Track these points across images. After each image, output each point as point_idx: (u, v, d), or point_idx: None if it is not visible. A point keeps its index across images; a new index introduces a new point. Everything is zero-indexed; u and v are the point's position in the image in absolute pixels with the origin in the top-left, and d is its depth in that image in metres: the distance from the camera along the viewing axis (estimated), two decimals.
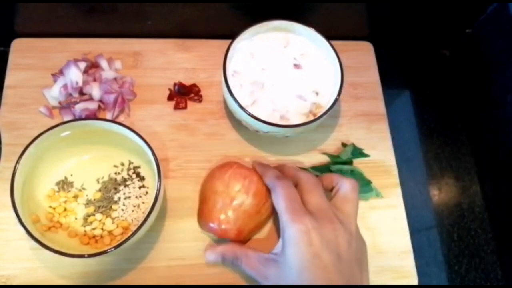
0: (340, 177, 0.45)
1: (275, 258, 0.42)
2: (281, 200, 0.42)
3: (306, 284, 0.38)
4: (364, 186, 0.53)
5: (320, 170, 0.53)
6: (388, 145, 0.57)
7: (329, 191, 0.46)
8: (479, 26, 0.64)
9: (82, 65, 0.54)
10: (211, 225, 0.47)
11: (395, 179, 0.56)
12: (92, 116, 0.53)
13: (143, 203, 0.49)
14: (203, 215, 0.48)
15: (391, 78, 0.56)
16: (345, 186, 0.44)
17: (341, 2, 0.58)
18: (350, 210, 0.43)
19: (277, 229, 0.51)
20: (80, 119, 0.49)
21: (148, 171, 0.51)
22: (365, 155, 0.55)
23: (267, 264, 0.42)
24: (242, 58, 0.52)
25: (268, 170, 0.47)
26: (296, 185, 0.45)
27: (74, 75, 0.53)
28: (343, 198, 0.44)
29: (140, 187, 0.50)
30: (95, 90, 0.53)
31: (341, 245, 0.40)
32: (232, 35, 0.51)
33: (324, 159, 0.55)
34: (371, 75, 0.61)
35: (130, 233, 0.42)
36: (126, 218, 0.48)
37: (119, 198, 0.49)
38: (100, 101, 0.54)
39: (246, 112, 0.48)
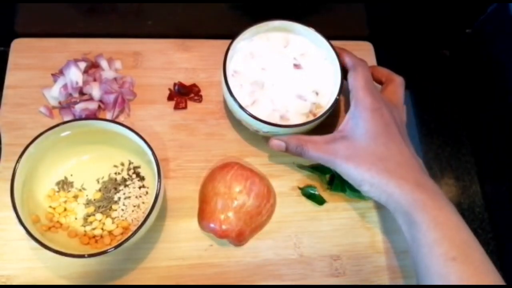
0: (391, 74, 0.52)
1: (343, 134, 0.47)
2: (360, 78, 0.47)
3: (381, 146, 0.45)
4: None
5: (320, 170, 0.53)
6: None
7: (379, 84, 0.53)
8: (479, 26, 0.64)
9: (82, 65, 0.54)
10: (212, 225, 0.47)
11: None
12: (92, 116, 0.53)
13: (143, 203, 0.49)
14: (204, 216, 0.48)
15: None
16: (396, 81, 0.51)
17: (341, 2, 0.58)
18: (400, 101, 0.50)
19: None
20: (80, 119, 0.49)
21: (148, 171, 0.51)
22: None
23: (335, 142, 0.47)
24: (242, 58, 0.52)
25: (352, 53, 0.51)
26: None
27: (74, 75, 0.53)
28: (393, 91, 0.51)
29: (140, 187, 0.50)
30: (95, 90, 0.53)
31: (400, 125, 0.47)
32: (232, 35, 0.51)
33: None
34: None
35: (130, 233, 0.42)
36: (126, 218, 0.49)
37: (119, 198, 0.49)
38: (100, 101, 0.54)
39: (246, 112, 0.48)
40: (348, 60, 0.50)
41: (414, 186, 0.43)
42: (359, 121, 0.46)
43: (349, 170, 0.45)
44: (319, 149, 0.47)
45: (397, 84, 0.51)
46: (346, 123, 0.47)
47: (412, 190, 0.42)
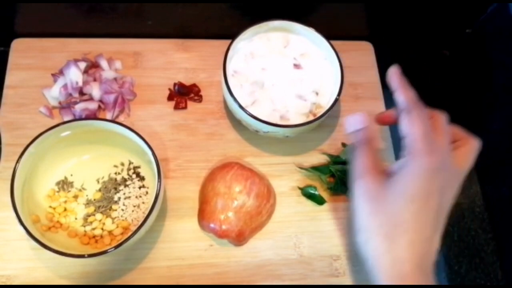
0: (466, 134, 0.43)
1: (389, 173, 0.39)
2: (417, 126, 0.38)
3: (409, 214, 0.37)
4: None
5: (320, 170, 0.53)
6: (388, 145, 0.57)
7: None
8: (479, 26, 0.64)
9: (82, 65, 0.54)
10: (212, 225, 0.47)
11: None
12: (92, 116, 0.53)
13: (143, 203, 0.49)
14: (204, 216, 0.48)
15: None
16: (471, 144, 0.42)
17: (341, 2, 0.58)
18: (465, 167, 0.41)
19: None
20: (80, 119, 0.49)
21: (148, 171, 0.51)
22: None
23: (379, 172, 0.40)
24: (242, 58, 0.52)
25: (409, 88, 0.42)
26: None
27: (74, 75, 0.53)
28: (463, 155, 0.41)
29: (140, 187, 0.50)
30: (95, 90, 0.53)
31: (445, 198, 0.39)
32: (232, 35, 0.51)
33: (324, 159, 0.55)
34: (371, 75, 0.61)
35: (130, 233, 0.42)
36: (126, 218, 0.49)
37: (119, 198, 0.49)
38: (100, 101, 0.54)
39: (246, 112, 0.48)
40: (401, 97, 0.41)
41: (406, 275, 0.36)
42: (406, 176, 0.38)
43: (362, 210, 0.39)
44: (366, 167, 0.40)
45: (471, 147, 0.41)
46: (396, 165, 0.40)
47: (401, 278, 0.36)
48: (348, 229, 0.52)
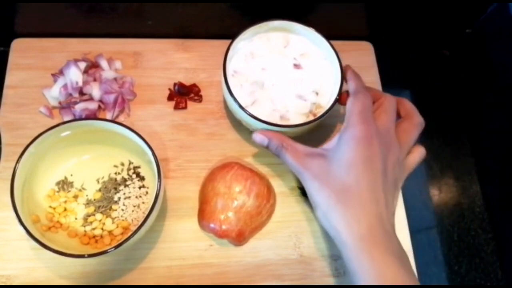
0: (414, 112, 0.48)
1: (324, 153, 0.44)
2: (358, 105, 0.44)
3: (351, 177, 0.41)
4: None
5: None
6: None
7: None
8: (479, 26, 0.64)
9: (82, 65, 0.54)
10: (212, 225, 0.47)
11: None
12: (92, 116, 0.53)
13: (143, 203, 0.49)
14: (204, 216, 0.48)
15: (391, 78, 0.56)
16: (414, 120, 0.47)
17: (341, 2, 0.58)
18: (408, 140, 0.46)
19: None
20: (80, 119, 0.49)
21: (148, 171, 0.51)
22: None
23: (313, 157, 0.44)
24: (242, 58, 0.52)
25: (359, 78, 0.49)
26: (374, 102, 0.47)
27: (74, 75, 0.53)
28: (405, 129, 0.46)
29: (140, 187, 0.50)
30: (95, 90, 0.53)
31: (389, 164, 0.43)
32: (232, 35, 0.51)
33: None
34: (371, 75, 0.61)
35: (130, 233, 0.42)
36: (126, 218, 0.49)
37: (119, 198, 0.49)
38: (100, 101, 0.54)
39: (246, 112, 0.48)
40: (351, 84, 0.47)
41: (365, 233, 0.39)
42: (342, 145, 0.43)
43: (311, 189, 0.43)
44: (297, 158, 0.45)
45: (414, 123, 0.47)
46: (331, 143, 0.45)
47: (362, 238, 0.39)
48: None
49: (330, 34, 0.52)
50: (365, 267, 0.38)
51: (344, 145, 0.42)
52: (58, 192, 0.49)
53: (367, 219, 0.40)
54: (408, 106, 0.48)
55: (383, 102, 0.47)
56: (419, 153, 0.47)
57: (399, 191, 0.45)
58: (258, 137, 0.47)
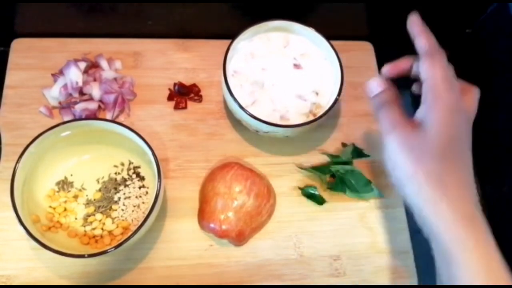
0: (468, 84, 0.44)
1: (420, 123, 0.39)
2: (439, 68, 0.40)
3: (450, 155, 0.38)
4: (364, 186, 0.53)
5: (320, 170, 0.53)
6: None
7: None
8: (479, 26, 0.64)
9: (82, 65, 0.54)
10: (212, 225, 0.47)
11: None
12: (92, 116, 0.53)
13: (143, 203, 0.49)
14: (204, 216, 0.48)
15: (391, 78, 0.56)
16: (474, 91, 0.44)
17: (341, 2, 0.58)
18: (472, 110, 0.43)
19: None
20: (80, 119, 0.49)
21: (148, 171, 0.51)
22: (365, 155, 0.55)
23: (411, 126, 0.39)
24: (242, 58, 0.52)
25: (430, 34, 0.43)
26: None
27: (74, 75, 0.53)
28: (469, 99, 0.43)
29: (140, 187, 0.50)
30: (95, 90, 0.53)
31: (470, 136, 0.41)
32: (232, 35, 0.51)
33: (324, 159, 0.55)
34: (371, 75, 0.60)
35: (130, 233, 0.42)
36: (126, 218, 0.49)
37: (119, 198, 0.49)
38: (100, 101, 0.54)
39: (246, 112, 0.48)
40: (422, 41, 0.41)
41: (467, 217, 0.37)
42: (434, 119, 0.38)
43: (403, 161, 0.38)
44: (395, 119, 0.40)
45: (474, 94, 0.43)
46: (421, 111, 0.39)
47: (464, 221, 0.36)
48: (349, 229, 0.52)
49: (330, 34, 0.52)
50: (468, 248, 0.36)
51: (441, 118, 0.38)
52: (58, 192, 0.49)
53: (467, 202, 0.37)
54: (459, 81, 0.43)
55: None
56: (474, 93, 0.43)
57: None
58: (375, 83, 0.43)
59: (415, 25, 0.43)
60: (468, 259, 0.36)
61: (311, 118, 0.49)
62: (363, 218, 0.53)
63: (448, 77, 0.39)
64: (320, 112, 0.50)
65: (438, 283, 0.38)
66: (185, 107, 0.56)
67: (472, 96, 0.43)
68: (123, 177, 0.50)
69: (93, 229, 0.47)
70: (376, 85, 0.43)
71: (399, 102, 0.41)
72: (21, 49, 0.57)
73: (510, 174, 0.57)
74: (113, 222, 0.48)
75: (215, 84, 0.58)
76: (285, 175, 0.54)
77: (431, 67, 0.39)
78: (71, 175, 0.50)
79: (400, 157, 0.38)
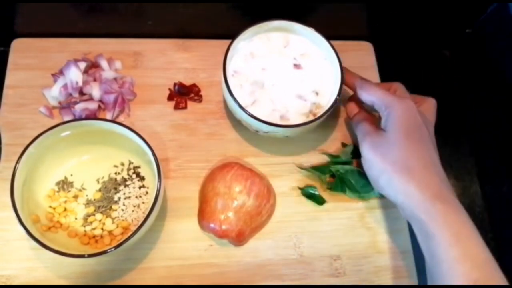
0: (423, 97, 0.50)
1: (384, 128, 0.46)
2: (375, 89, 0.48)
3: (412, 144, 0.43)
4: (364, 186, 0.52)
5: (320, 170, 0.53)
6: None
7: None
8: (480, 26, 0.64)
9: (82, 65, 0.54)
10: (212, 225, 0.47)
11: None
12: (92, 116, 0.53)
13: (143, 203, 0.49)
14: (204, 216, 0.48)
15: (391, 78, 0.56)
16: (430, 101, 0.50)
17: (341, 2, 0.58)
18: (432, 116, 0.49)
19: None
20: (80, 119, 0.49)
21: (148, 171, 0.51)
22: None
23: (376, 131, 0.47)
24: (242, 58, 0.52)
25: (356, 75, 0.52)
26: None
27: (74, 75, 0.53)
28: (426, 109, 0.48)
29: (140, 187, 0.50)
30: (95, 90, 0.53)
31: (429, 130, 0.46)
32: (232, 35, 0.51)
33: (324, 159, 0.55)
34: (371, 75, 0.61)
35: (130, 233, 0.42)
36: (126, 218, 0.49)
37: (119, 198, 0.49)
38: (100, 101, 0.54)
39: (246, 112, 0.48)
40: (353, 85, 0.51)
41: (436, 195, 0.41)
42: (390, 119, 0.45)
43: (373, 158, 0.45)
44: (368, 133, 0.47)
45: (430, 103, 0.49)
46: (382, 124, 0.47)
47: (434, 198, 0.41)
48: (349, 229, 0.52)
49: (330, 34, 0.52)
50: (440, 227, 0.40)
51: (397, 121, 0.45)
52: (58, 192, 0.49)
53: (435, 182, 0.42)
54: (416, 96, 0.50)
55: (393, 88, 0.50)
56: (429, 103, 0.49)
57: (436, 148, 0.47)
58: (350, 106, 0.53)
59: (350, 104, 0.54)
60: (440, 232, 0.40)
61: (311, 118, 0.49)
62: (363, 218, 0.53)
63: (389, 92, 0.47)
64: (320, 112, 0.50)
65: (425, 256, 0.42)
66: (185, 107, 0.56)
67: (428, 105, 0.49)
68: (123, 177, 0.50)
69: (93, 229, 0.47)
70: (352, 108, 0.52)
71: (371, 119, 0.49)
72: (21, 49, 0.57)
73: (510, 174, 0.57)
74: (113, 222, 0.48)
75: (215, 84, 0.58)
76: (285, 175, 0.54)
77: (368, 92, 0.48)
78: (71, 175, 0.50)
79: (371, 156, 0.45)
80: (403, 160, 0.43)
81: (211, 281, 0.48)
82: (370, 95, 0.47)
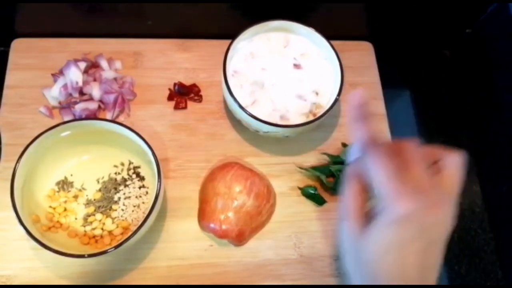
0: (444, 151, 0.37)
1: (373, 218, 0.35)
2: (379, 168, 0.33)
3: (387, 264, 0.34)
4: None
5: (320, 170, 0.53)
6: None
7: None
8: (480, 26, 0.64)
9: (82, 65, 0.54)
10: (212, 225, 0.47)
11: None
12: (92, 116, 0.53)
13: (143, 203, 0.49)
14: (204, 216, 0.48)
15: (391, 78, 0.56)
16: (452, 162, 0.36)
17: (341, 2, 0.58)
18: (453, 188, 0.35)
19: None
20: (80, 119, 0.49)
21: (148, 171, 0.51)
22: None
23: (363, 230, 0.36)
24: (242, 58, 0.52)
25: (369, 122, 0.36)
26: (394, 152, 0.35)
27: (74, 75, 0.53)
28: (448, 176, 0.36)
29: (140, 187, 0.50)
30: (95, 90, 0.53)
31: (434, 232, 0.35)
32: (232, 35, 0.51)
33: (324, 159, 0.55)
34: (371, 75, 0.61)
35: (130, 233, 0.42)
36: (126, 218, 0.49)
37: (119, 198, 0.49)
38: (100, 101, 0.54)
39: (246, 112, 0.48)
40: (360, 136, 0.35)
41: None
42: (379, 226, 0.34)
43: (347, 253, 0.37)
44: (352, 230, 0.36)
45: (456, 165, 0.36)
46: (377, 212, 0.35)
47: None
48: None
49: (330, 34, 0.52)
50: None
51: (381, 228, 0.34)
52: (58, 192, 0.49)
53: None
54: (434, 149, 0.38)
55: (405, 150, 0.35)
56: (456, 165, 0.36)
57: (442, 251, 0.37)
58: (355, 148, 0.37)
59: (355, 104, 0.36)
60: None
61: (311, 118, 0.49)
62: None
63: (393, 178, 0.33)
64: (320, 112, 0.50)
65: None
66: (185, 107, 0.56)
67: (452, 168, 0.36)
68: (123, 177, 0.50)
69: (93, 229, 0.47)
70: (357, 149, 0.37)
71: (364, 196, 0.37)
72: (21, 49, 0.57)
73: (510, 174, 0.57)
74: (113, 222, 0.48)
75: (215, 84, 0.58)
76: (285, 175, 0.54)
77: (371, 168, 0.34)
78: (71, 175, 0.50)
79: (345, 247, 0.37)
80: (371, 277, 0.35)
81: (211, 281, 0.48)
82: (373, 170, 0.34)
